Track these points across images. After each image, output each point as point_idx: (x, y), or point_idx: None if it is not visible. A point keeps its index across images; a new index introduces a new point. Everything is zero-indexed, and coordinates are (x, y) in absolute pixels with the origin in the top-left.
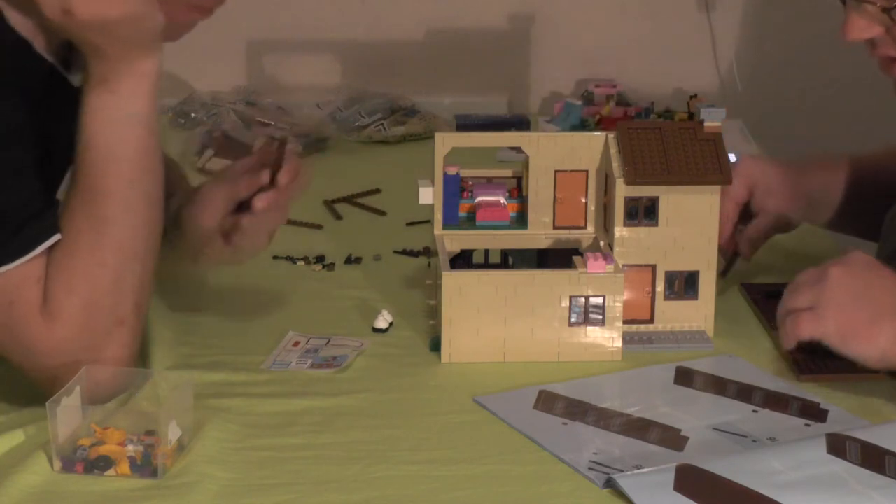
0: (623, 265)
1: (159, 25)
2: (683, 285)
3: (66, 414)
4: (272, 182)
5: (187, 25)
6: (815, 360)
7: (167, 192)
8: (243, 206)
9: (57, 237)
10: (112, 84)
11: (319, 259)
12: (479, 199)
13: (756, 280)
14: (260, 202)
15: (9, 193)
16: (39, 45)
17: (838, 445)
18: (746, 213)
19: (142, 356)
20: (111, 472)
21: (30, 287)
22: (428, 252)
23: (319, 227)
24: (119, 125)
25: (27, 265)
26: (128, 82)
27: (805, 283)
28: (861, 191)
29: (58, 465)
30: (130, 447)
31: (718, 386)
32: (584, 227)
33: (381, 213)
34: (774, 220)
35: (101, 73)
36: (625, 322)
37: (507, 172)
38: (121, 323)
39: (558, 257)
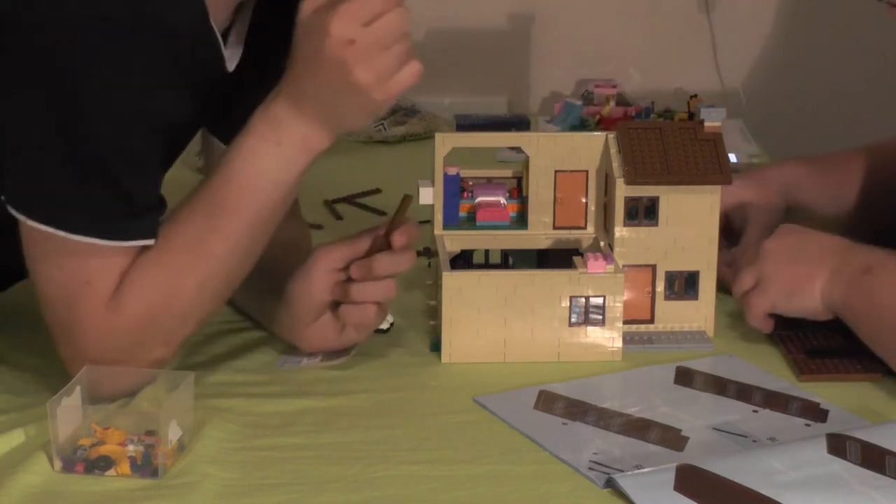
0: (623, 265)
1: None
2: (683, 285)
3: (67, 414)
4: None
5: None
6: (814, 360)
7: (282, 257)
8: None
9: (153, 241)
10: (282, 141)
11: None
12: (479, 199)
13: None
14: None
15: (144, 179)
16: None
17: (838, 445)
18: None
19: None
20: (112, 472)
21: (110, 275)
22: (428, 252)
23: (320, 227)
24: (263, 179)
25: (119, 252)
26: (295, 149)
27: (745, 264)
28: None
29: (58, 464)
30: (131, 447)
31: (718, 386)
32: (585, 228)
33: (382, 213)
34: (759, 229)
35: (277, 121)
36: (625, 322)
37: (507, 172)
38: (166, 345)
39: (558, 257)
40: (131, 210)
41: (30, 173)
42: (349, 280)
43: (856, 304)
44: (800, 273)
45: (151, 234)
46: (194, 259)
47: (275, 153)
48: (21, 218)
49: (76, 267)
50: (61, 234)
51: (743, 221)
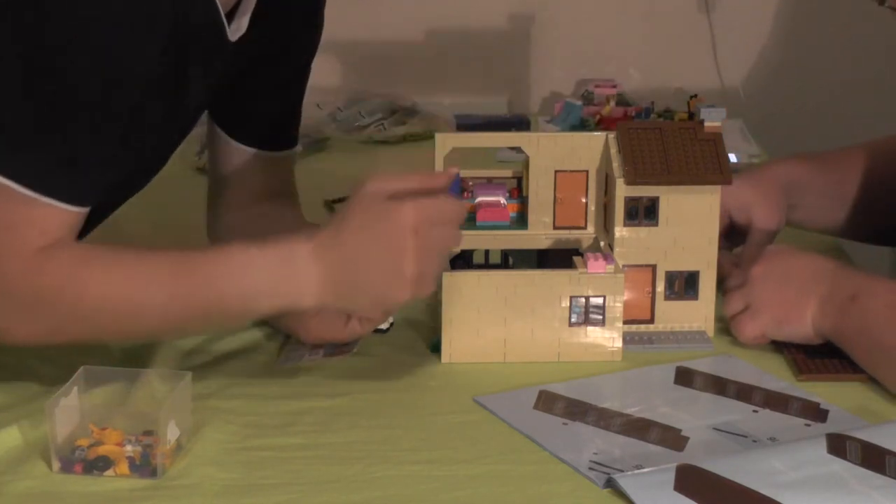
0: (623, 265)
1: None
2: (683, 285)
3: (64, 414)
4: None
5: None
6: (814, 360)
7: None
8: None
9: (81, 210)
10: (281, 281)
11: None
12: (479, 199)
13: None
14: None
15: (98, 143)
16: None
17: (838, 445)
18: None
19: (141, 356)
20: (110, 472)
21: (33, 227)
22: None
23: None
24: (237, 291)
25: (42, 207)
26: (288, 296)
27: (734, 287)
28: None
29: (56, 465)
30: (129, 447)
31: (718, 386)
32: (585, 228)
33: None
34: (763, 233)
35: (290, 261)
36: (625, 322)
37: (508, 173)
38: (50, 333)
39: (558, 257)
40: (69, 169)
41: None
42: None
43: (846, 331)
44: (789, 300)
45: (80, 200)
46: (135, 291)
47: (266, 282)
48: None
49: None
50: None
51: (746, 221)
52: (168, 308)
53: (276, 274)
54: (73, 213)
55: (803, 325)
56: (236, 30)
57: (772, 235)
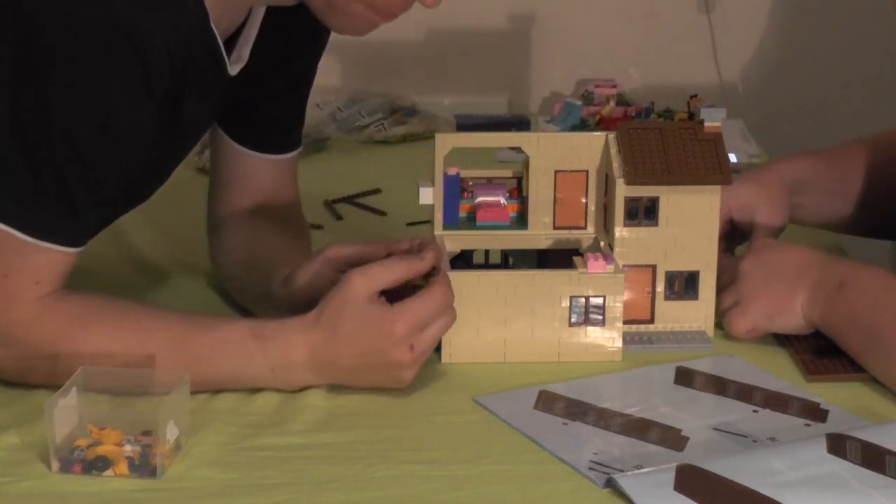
0: (623, 265)
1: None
2: (683, 285)
3: (63, 414)
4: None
5: (370, 25)
6: (822, 360)
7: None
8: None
9: (77, 252)
10: (275, 367)
11: None
12: (479, 199)
13: None
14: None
15: (94, 184)
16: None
17: (838, 445)
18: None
19: None
20: (109, 472)
21: (28, 273)
22: None
23: (320, 227)
24: (228, 370)
25: (39, 252)
26: (278, 380)
27: (724, 284)
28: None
29: (55, 465)
30: (128, 447)
31: (718, 386)
32: (585, 228)
33: (382, 213)
34: (767, 233)
35: (285, 356)
36: (625, 322)
37: (508, 173)
38: (52, 379)
39: (558, 258)
40: (66, 211)
41: None
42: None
43: (835, 321)
44: (778, 293)
45: (78, 242)
46: (131, 359)
47: (262, 378)
48: None
49: None
50: None
51: (748, 222)
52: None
53: (273, 373)
54: (70, 255)
55: (794, 317)
56: (237, 60)
57: (776, 234)
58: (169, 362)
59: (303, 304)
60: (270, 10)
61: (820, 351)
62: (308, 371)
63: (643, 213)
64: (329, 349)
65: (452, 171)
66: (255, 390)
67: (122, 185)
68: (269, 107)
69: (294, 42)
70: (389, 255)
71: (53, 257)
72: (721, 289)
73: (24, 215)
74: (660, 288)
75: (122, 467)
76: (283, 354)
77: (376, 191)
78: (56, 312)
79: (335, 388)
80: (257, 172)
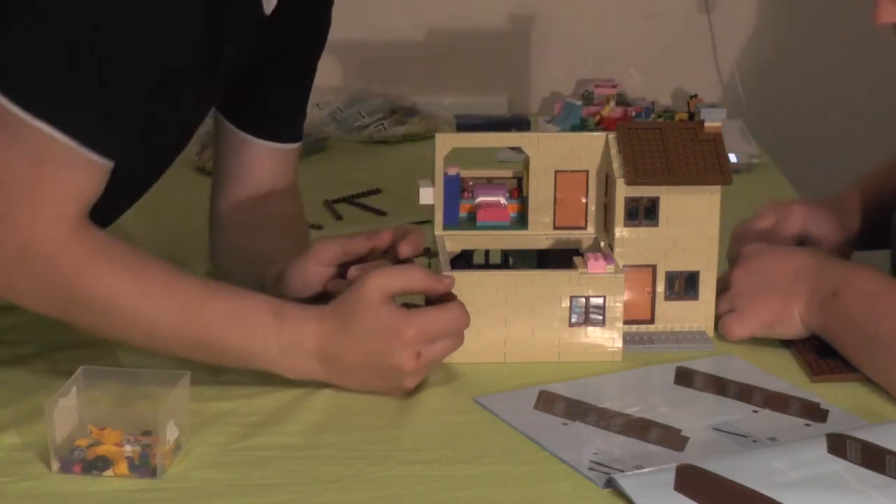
0: (623, 265)
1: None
2: (684, 285)
3: (63, 414)
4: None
5: None
6: (826, 360)
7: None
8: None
9: (107, 166)
10: (284, 346)
11: None
12: (479, 199)
13: None
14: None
15: (132, 101)
16: None
17: (838, 445)
18: None
19: (141, 356)
20: (110, 472)
21: (58, 188)
22: (428, 252)
23: (320, 227)
24: (239, 342)
25: (71, 159)
26: (283, 365)
27: (720, 291)
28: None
29: (55, 465)
30: (128, 447)
31: (718, 386)
32: (585, 228)
33: (382, 213)
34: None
35: (294, 340)
36: (625, 322)
37: (508, 173)
38: (63, 311)
39: (559, 258)
40: (102, 114)
41: (17, 40)
42: (343, 277)
43: (832, 327)
44: (775, 301)
45: (109, 152)
46: (149, 306)
47: (271, 356)
48: None
49: (24, 162)
50: (19, 112)
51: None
52: (173, 335)
53: (281, 353)
54: (99, 174)
55: (794, 325)
56: (268, 3)
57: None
58: (184, 320)
59: (294, 300)
60: None
61: (823, 351)
62: (313, 361)
63: (643, 213)
64: (337, 342)
65: (453, 171)
66: (256, 390)
67: (159, 104)
68: (275, 95)
69: (301, 29)
70: (373, 248)
71: (83, 176)
72: (718, 293)
73: (64, 114)
74: (660, 288)
75: (122, 467)
76: (295, 337)
77: (376, 191)
78: (83, 240)
79: (335, 387)
80: (260, 163)
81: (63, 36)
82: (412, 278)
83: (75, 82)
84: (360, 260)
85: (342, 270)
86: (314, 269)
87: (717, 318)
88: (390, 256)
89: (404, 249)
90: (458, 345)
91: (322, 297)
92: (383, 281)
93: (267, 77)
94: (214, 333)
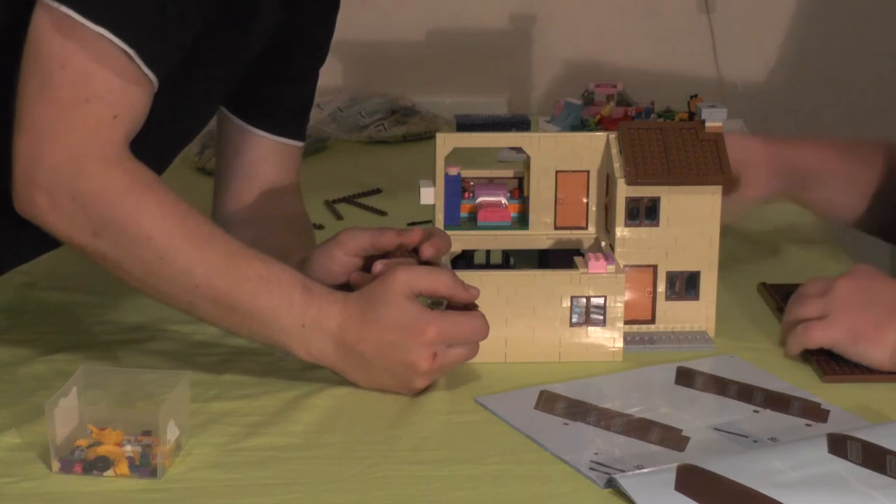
0: (624, 265)
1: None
2: (684, 285)
3: (64, 414)
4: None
5: None
6: (838, 362)
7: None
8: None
9: (155, 82)
10: (306, 323)
11: None
12: (480, 199)
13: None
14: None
15: (183, 21)
16: None
17: (839, 445)
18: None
19: (141, 356)
20: (110, 472)
21: (112, 103)
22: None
23: (321, 227)
24: (262, 324)
25: (128, 72)
26: (303, 343)
27: (812, 293)
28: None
29: (56, 465)
30: (128, 447)
31: (719, 386)
32: (586, 228)
33: (382, 213)
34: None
35: (315, 321)
36: (626, 322)
37: (509, 173)
38: (95, 234)
39: (559, 258)
40: (159, 35)
41: None
42: (368, 270)
43: None
44: (869, 320)
45: (161, 67)
46: (187, 250)
47: (291, 328)
48: None
49: (80, 69)
50: (80, 18)
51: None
52: (203, 286)
53: (302, 330)
54: (146, 93)
55: (882, 348)
56: None
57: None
58: (217, 273)
59: None
60: None
61: (833, 352)
62: (330, 344)
63: (644, 213)
64: (357, 328)
65: (453, 171)
66: (256, 390)
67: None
68: (284, 90)
69: (311, 24)
70: (401, 245)
71: (134, 90)
72: (807, 296)
73: (123, 22)
74: (661, 288)
75: (123, 467)
76: (318, 315)
77: (377, 191)
78: (130, 167)
79: (336, 387)
80: (265, 158)
81: None
82: (440, 281)
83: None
84: (385, 255)
85: (366, 263)
86: (340, 258)
87: (798, 320)
88: (416, 256)
89: (426, 251)
90: (473, 354)
91: (342, 290)
92: (412, 277)
93: (274, 72)
94: (244, 293)
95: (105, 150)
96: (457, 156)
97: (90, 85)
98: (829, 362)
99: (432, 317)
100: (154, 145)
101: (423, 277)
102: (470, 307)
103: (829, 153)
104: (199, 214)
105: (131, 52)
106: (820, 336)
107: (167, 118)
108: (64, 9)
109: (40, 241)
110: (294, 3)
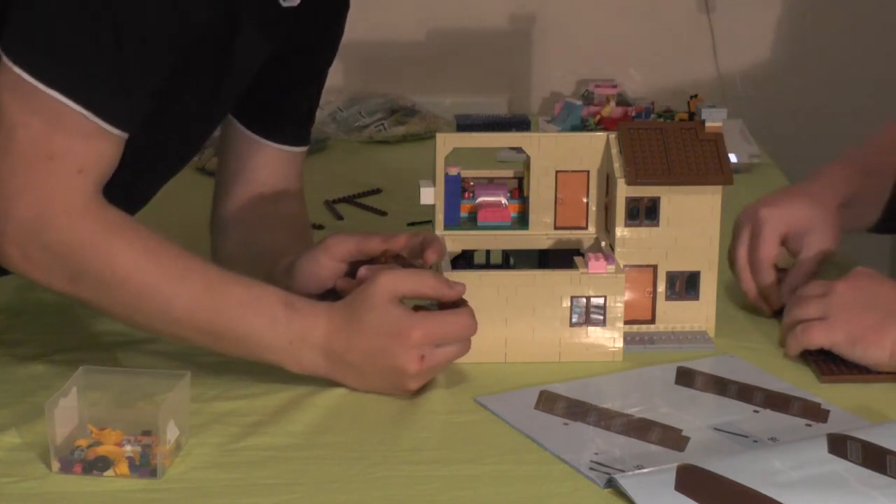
0: (624, 265)
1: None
2: (684, 285)
3: (64, 414)
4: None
5: None
6: (836, 362)
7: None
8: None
9: (121, 138)
10: (293, 341)
11: None
12: (480, 199)
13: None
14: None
15: (148, 70)
16: None
17: (839, 445)
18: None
19: (141, 356)
20: (110, 472)
21: (74, 157)
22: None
23: (321, 227)
24: (247, 346)
25: (87, 131)
26: (291, 356)
27: (812, 295)
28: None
29: (56, 466)
30: (128, 447)
31: (719, 386)
32: (586, 228)
33: (382, 213)
34: (818, 259)
35: (301, 336)
36: (626, 322)
37: (508, 173)
38: (70, 282)
39: (559, 258)
40: (118, 87)
41: (34, 14)
42: (353, 275)
43: None
44: (869, 322)
45: (124, 123)
46: (164, 285)
47: (278, 347)
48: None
49: (39, 129)
50: (33, 81)
51: (800, 248)
52: (185, 318)
53: (290, 346)
54: (112, 145)
55: (881, 350)
56: None
57: (823, 262)
58: (197, 304)
59: (303, 293)
60: None
61: (831, 352)
62: (319, 355)
63: (644, 213)
64: (343, 338)
65: (453, 171)
66: (256, 390)
67: (172, 79)
68: (288, 97)
69: (319, 31)
70: (386, 250)
71: (98, 145)
72: (806, 297)
73: (77, 83)
74: (661, 288)
75: (123, 467)
76: (304, 330)
77: (377, 191)
78: (99, 214)
79: (336, 387)
80: (266, 164)
81: (76, 7)
82: (423, 282)
83: (88, 52)
84: (372, 261)
85: (353, 268)
86: (326, 263)
87: (797, 321)
88: (402, 261)
89: (430, 256)
90: (465, 351)
91: (329, 296)
92: (394, 281)
93: (280, 79)
94: (226, 320)
95: (70, 202)
96: (457, 156)
97: (51, 143)
98: (826, 362)
99: (416, 319)
100: (132, 182)
101: (406, 280)
102: (459, 304)
103: (857, 175)
104: (173, 247)
105: (86, 113)
106: (819, 337)
107: (145, 155)
108: (17, 70)
109: None
110: (286, 35)
